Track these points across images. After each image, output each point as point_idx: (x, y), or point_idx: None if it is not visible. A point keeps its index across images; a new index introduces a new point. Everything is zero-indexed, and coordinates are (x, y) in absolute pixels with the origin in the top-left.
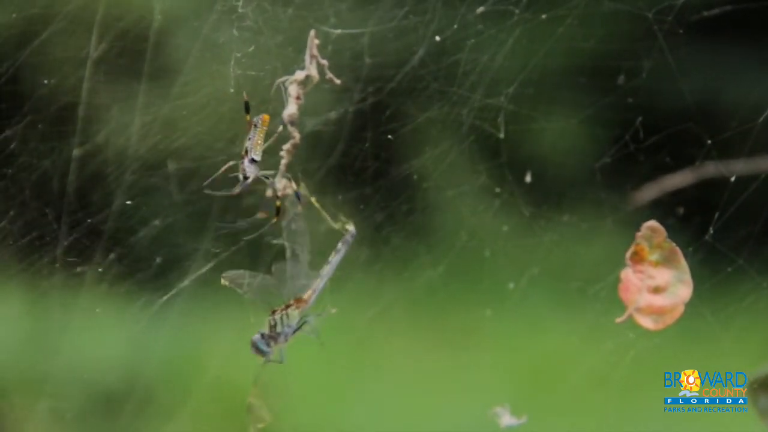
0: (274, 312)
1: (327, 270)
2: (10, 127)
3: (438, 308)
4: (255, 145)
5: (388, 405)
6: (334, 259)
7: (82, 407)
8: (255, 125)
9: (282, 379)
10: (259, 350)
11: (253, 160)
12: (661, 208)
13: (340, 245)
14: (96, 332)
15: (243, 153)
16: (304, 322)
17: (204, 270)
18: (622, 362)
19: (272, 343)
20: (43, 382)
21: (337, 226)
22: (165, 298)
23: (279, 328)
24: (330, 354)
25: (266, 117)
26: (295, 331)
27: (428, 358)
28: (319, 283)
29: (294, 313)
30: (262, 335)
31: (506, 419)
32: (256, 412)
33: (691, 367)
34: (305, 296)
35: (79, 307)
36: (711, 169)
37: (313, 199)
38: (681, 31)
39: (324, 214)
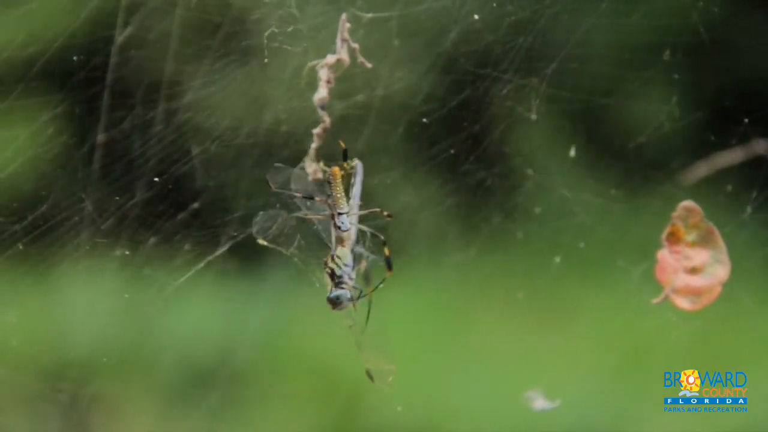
0: (325, 263)
1: (353, 203)
2: (46, 113)
3: (469, 291)
4: (337, 200)
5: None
6: (356, 190)
7: (176, 387)
8: (329, 182)
9: (381, 336)
10: (338, 300)
11: (340, 213)
12: (704, 188)
13: (354, 179)
14: (190, 311)
15: (331, 211)
16: (359, 254)
17: (219, 252)
18: (661, 343)
19: (344, 287)
20: (138, 363)
21: (347, 166)
22: (181, 279)
23: (339, 272)
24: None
25: (336, 170)
26: (354, 267)
27: (458, 342)
28: (352, 218)
29: (344, 251)
30: (332, 290)
31: (539, 403)
32: (378, 371)
33: (729, 348)
34: (344, 236)
35: (104, 291)
36: (761, 146)
37: (321, 164)
38: (716, 9)
39: (323, 167)
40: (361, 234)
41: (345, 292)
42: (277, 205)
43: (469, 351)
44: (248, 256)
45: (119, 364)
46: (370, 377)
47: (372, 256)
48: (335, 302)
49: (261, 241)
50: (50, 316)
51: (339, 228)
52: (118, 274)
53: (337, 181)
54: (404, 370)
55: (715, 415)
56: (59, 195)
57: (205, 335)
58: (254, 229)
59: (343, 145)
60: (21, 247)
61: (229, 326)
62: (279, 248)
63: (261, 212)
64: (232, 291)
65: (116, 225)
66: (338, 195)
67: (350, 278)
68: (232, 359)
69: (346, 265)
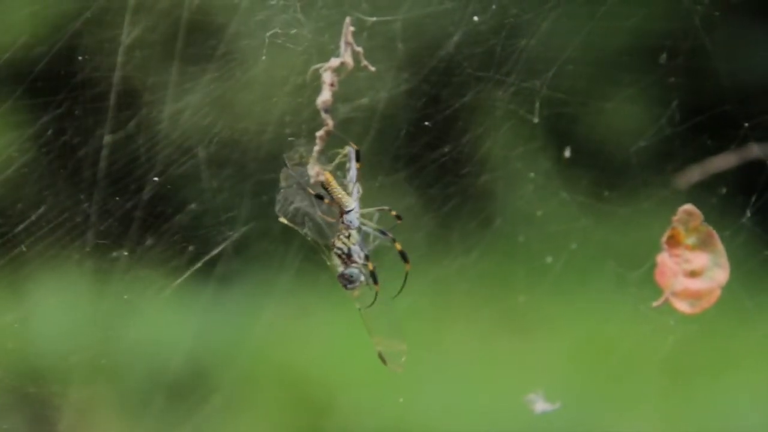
0: (333, 244)
1: (354, 189)
2: (48, 113)
3: (470, 294)
4: (339, 200)
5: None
6: (352, 174)
7: (144, 394)
8: (325, 187)
9: (390, 318)
10: (350, 278)
11: (348, 212)
12: (699, 192)
13: (349, 164)
14: (159, 318)
15: (338, 213)
16: (366, 233)
17: (215, 253)
18: (661, 347)
19: (354, 265)
20: (104, 369)
21: (345, 151)
22: (179, 281)
23: (348, 251)
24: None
25: (327, 174)
26: (363, 247)
27: (458, 346)
28: (353, 196)
29: (353, 232)
30: (343, 268)
31: (540, 405)
32: (389, 353)
33: (730, 351)
34: (348, 214)
35: (110, 293)
36: (754, 151)
37: (316, 149)
38: (717, 13)
39: (328, 168)
40: (368, 214)
41: (358, 274)
42: (294, 186)
43: (469, 353)
44: (210, 264)
45: (89, 371)
46: (383, 360)
47: (381, 236)
48: (349, 279)
49: (282, 219)
50: (49, 318)
51: (348, 227)
52: (119, 275)
53: (332, 183)
54: (405, 370)
55: (715, 417)
56: (62, 196)
57: (171, 344)
58: (276, 208)
59: (354, 147)
60: (24, 248)
61: (196, 334)
62: (296, 227)
63: (281, 190)
64: (201, 298)
65: (118, 226)
66: (339, 195)
67: (360, 258)
68: (199, 367)
69: (354, 244)
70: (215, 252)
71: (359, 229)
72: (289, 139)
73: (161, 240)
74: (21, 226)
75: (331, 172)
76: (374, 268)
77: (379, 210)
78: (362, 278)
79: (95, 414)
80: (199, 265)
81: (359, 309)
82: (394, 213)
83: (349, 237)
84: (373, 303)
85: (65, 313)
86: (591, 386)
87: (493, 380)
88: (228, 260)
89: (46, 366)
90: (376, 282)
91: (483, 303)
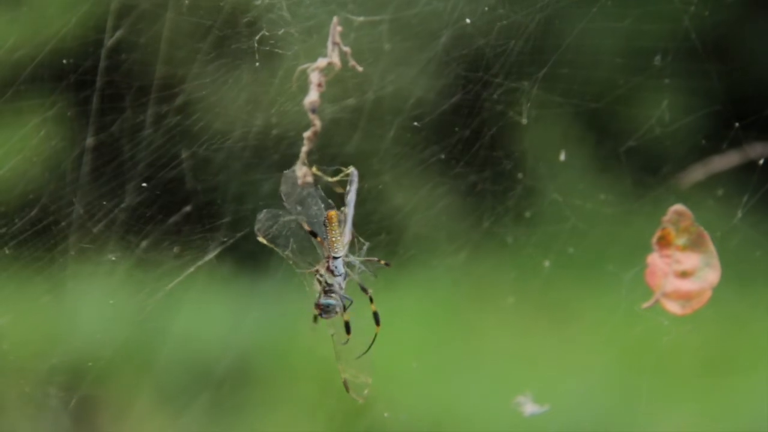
0: (317, 270)
1: (348, 213)
2: (38, 115)
3: (460, 295)
4: (332, 243)
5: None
6: (351, 198)
7: (171, 390)
8: (324, 224)
9: (360, 349)
10: (327, 307)
11: (335, 257)
12: (696, 192)
13: (349, 187)
14: (183, 316)
15: (326, 255)
16: (351, 264)
17: (210, 256)
18: (652, 348)
19: (333, 296)
20: (146, 363)
21: (340, 177)
22: (171, 285)
23: (330, 280)
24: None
25: (331, 213)
26: (345, 278)
27: (448, 346)
28: (346, 226)
29: (338, 263)
30: (321, 296)
31: (529, 407)
32: (354, 383)
33: (721, 352)
34: (335, 260)
35: (93, 296)
36: (758, 150)
37: (313, 168)
38: (707, 13)
39: (326, 177)
40: (355, 241)
41: (335, 303)
42: (282, 212)
43: (459, 355)
44: (242, 258)
45: (109, 368)
46: (346, 388)
47: (363, 268)
48: (325, 309)
49: (261, 239)
50: (40, 320)
51: (332, 272)
52: (106, 279)
53: (333, 224)
54: (392, 374)
55: (708, 418)
56: (48, 199)
57: (201, 339)
58: (256, 227)
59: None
60: (7, 251)
61: (227, 329)
62: (276, 248)
63: (264, 210)
64: (228, 294)
65: (105, 230)
66: (333, 239)
67: (341, 287)
68: (229, 362)
69: (339, 274)
70: (209, 257)
71: (345, 276)
72: (285, 172)
73: (151, 243)
74: (6, 230)
75: (338, 213)
76: (350, 319)
77: (367, 260)
78: (338, 310)
79: (92, 415)
80: (192, 270)
81: (332, 335)
82: (383, 262)
83: (330, 286)
84: (346, 342)
85: (55, 315)
86: (584, 387)
87: (480, 382)
88: (240, 255)
89: (39, 366)
90: (348, 332)
91: (473, 304)
